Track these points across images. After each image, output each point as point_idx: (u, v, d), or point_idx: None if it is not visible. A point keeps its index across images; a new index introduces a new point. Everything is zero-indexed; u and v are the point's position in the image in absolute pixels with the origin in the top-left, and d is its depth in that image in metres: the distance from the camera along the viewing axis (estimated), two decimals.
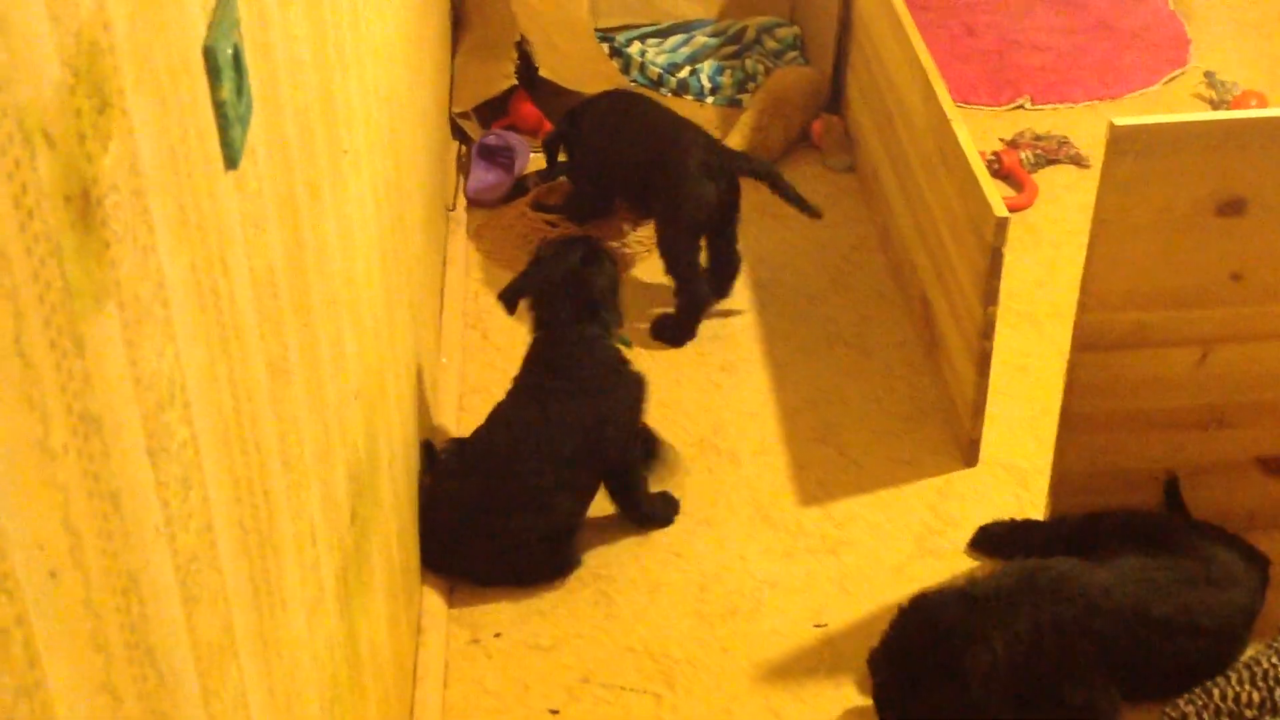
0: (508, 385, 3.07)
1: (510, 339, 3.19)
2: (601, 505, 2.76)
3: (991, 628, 2.24)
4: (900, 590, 2.55)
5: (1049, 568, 2.36)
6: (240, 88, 1.18)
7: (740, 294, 3.32)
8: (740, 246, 3.27)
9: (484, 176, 3.61)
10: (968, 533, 2.70)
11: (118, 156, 0.90)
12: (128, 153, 0.92)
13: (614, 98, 3.42)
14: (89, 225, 0.84)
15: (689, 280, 3.14)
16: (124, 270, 0.91)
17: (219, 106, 1.14)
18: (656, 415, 2.98)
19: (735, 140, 3.68)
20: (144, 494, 0.93)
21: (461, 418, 2.98)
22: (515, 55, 3.73)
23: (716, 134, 3.75)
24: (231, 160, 1.17)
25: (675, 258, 3.15)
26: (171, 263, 1.02)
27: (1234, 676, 2.30)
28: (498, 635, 2.51)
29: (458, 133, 3.75)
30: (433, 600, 2.52)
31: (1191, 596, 2.35)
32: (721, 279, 3.27)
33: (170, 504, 0.99)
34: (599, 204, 3.44)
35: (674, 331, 3.18)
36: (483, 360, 3.14)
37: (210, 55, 1.12)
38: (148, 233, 0.96)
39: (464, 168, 3.67)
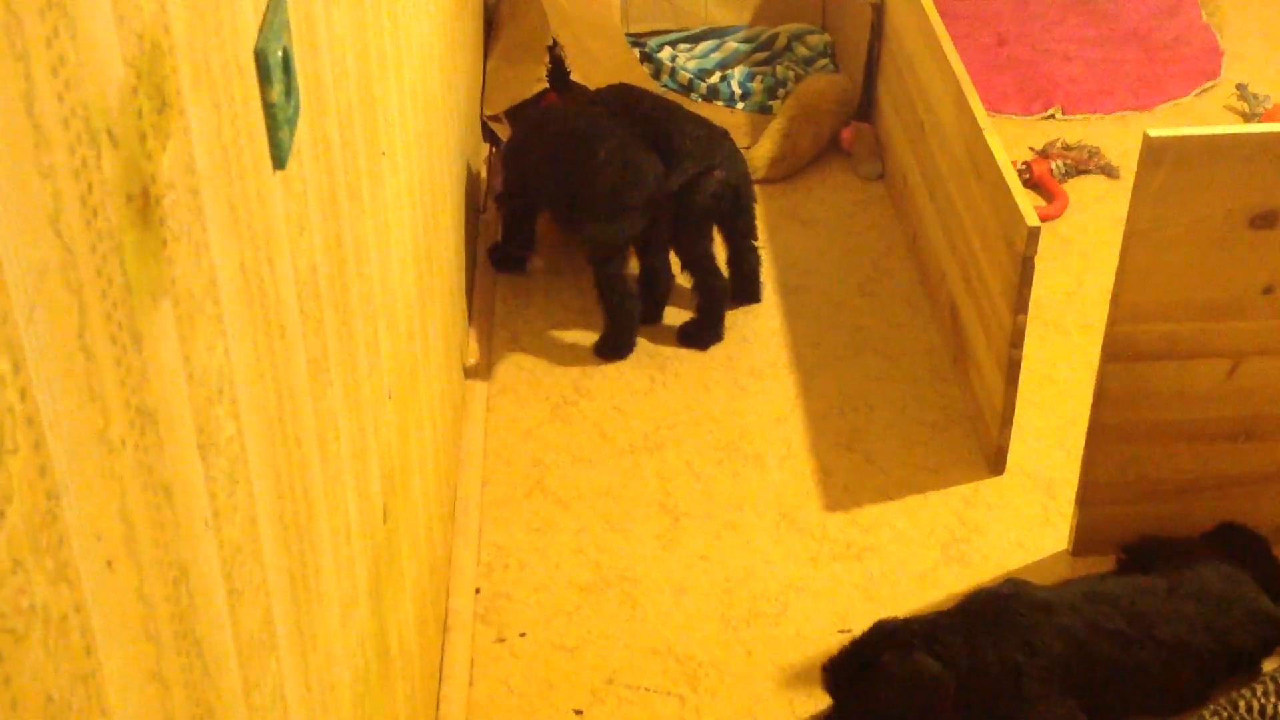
0: (536, 386, 3.09)
1: (538, 341, 3.21)
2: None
3: (915, 647, 2.26)
4: (925, 597, 2.56)
5: (986, 594, 2.36)
6: (289, 89, 1.20)
7: (768, 300, 3.33)
8: (760, 245, 3.29)
9: None
10: (993, 541, 2.71)
11: (175, 156, 0.91)
12: (184, 152, 0.93)
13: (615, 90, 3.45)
14: (148, 223, 0.86)
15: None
16: (179, 268, 0.93)
17: (269, 108, 1.16)
18: (684, 418, 3.00)
19: (765, 147, 3.69)
20: (194, 487, 0.95)
21: (490, 419, 3.00)
22: (547, 59, 3.75)
23: (746, 140, 3.77)
24: (279, 161, 1.19)
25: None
26: (223, 261, 1.03)
27: (1259, 688, 2.29)
28: (523, 635, 2.53)
29: (488, 134, 3.77)
30: (459, 599, 2.54)
31: (1143, 608, 2.33)
32: (741, 280, 3.29)
33: (218, 497, 1.01)
34: None
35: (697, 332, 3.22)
36: (511, 361, 3.16)
37: (261, 57, 1.14)
38: (201, 231, 0.98)
39: (494, 170, 3.69)
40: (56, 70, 0.72)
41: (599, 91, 3.45)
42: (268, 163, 1.17)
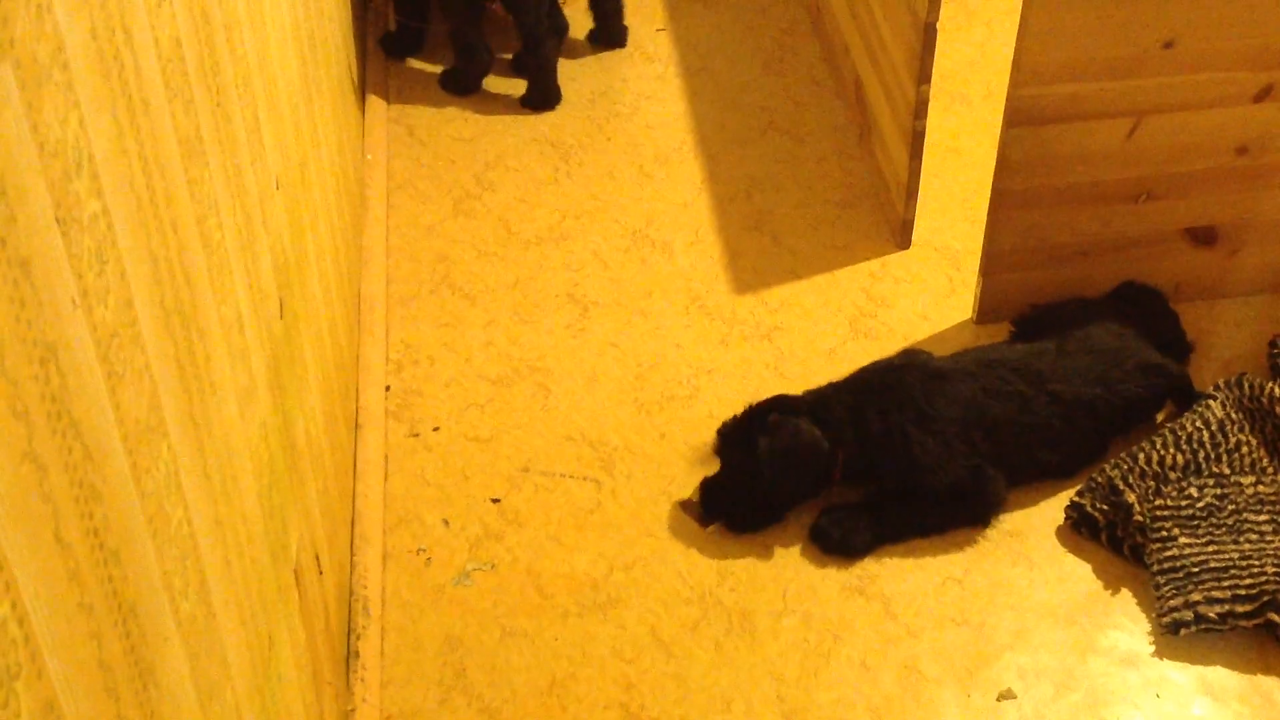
0: (435, 182, 3.02)
1: (436, 135, 3.13)
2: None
3: (802, 415, 2.30)
4: (833, 372, 2.58)
5: (880, 366, 2.40)
6: None
7: (671, 83, 3.27)
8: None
9: None
10: (899, 314, 2.72)
11: None
12: None
13: None
14: None
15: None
16: (18, 28, 0.87)
17: None
18: (590, 207, 2.96)
19: None
20: (57, 264, 0.91)
21: (391, 216, 2.94)
22: None
23: None
24: None
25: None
26: (70, 25, 0.97)
27: (1159, 440, 2.35)
28: (436, 429, 2.52)
29: None
30: (370, 397, 2.51)
31: (1037, 367, 2.37)
32: (601, 21, 3.27)
33: (85, 276, 0.96)
34: None
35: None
36: (409, 156, 3.08)
37: None
38: None
39: None
40: None
41: None
42: None
